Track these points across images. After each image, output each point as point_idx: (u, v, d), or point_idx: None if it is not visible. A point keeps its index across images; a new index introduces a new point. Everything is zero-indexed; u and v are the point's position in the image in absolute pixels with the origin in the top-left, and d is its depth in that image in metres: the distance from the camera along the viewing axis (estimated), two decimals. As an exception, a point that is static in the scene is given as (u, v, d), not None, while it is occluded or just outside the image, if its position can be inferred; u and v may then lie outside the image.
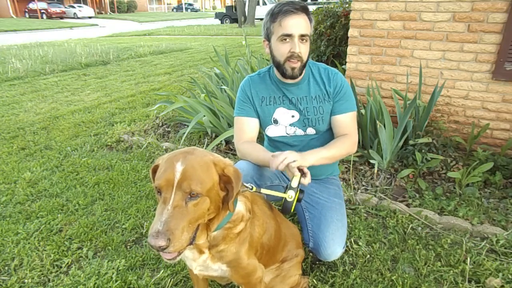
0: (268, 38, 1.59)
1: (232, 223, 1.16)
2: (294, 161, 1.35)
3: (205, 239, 1.13)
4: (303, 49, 1.52)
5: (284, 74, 1.60)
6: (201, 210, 0.99)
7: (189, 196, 0.96)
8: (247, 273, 1.23)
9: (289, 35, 1.50)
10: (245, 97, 1.71)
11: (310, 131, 1.71)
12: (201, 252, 1.17)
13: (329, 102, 1.67)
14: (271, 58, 1.62)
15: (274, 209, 1.47)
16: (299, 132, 1.71)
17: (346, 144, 1.62)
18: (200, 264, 1.20)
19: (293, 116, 1.69)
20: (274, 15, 1.52)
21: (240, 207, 1.20)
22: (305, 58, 1.55)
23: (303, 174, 1.37)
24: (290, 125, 1.71)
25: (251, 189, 1.30)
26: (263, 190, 1.36)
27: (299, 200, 1.34)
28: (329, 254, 1.55)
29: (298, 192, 1.33)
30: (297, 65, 1.54)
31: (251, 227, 1.24)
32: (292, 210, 1.35)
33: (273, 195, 1.36)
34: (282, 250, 1.48)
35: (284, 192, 1.34)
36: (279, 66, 1.59)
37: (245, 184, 1.28)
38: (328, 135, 1.76)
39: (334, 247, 1.54)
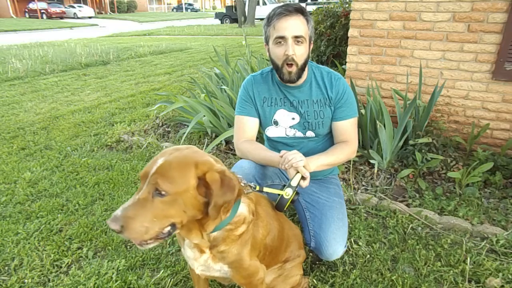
0: (267, 42, 1.60)
1: (233, 225, 1.15)
2: (300, 160, 1.39)
3: (200, 238, 1.12)
4: (298, 51, 1.51)
5: (282, 78, 1.60)
6: (170, 209, 0.97)
7: (157, 191, 0.95)
8: (248, 274, 1.23)
9: (282, 37, 1.49)
10: (247, 96, 1.71)
11: (310, 134, 1.71)
12: (202, 251, 1.17)
13: (330, 107, 1.67)
14: (271, 62, 1.62)
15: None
16: (299, 134, 1.72)
17: (345, 151, 1.64)
18: (202, 264, 1.20)
19: (293, 119, 1.70)
20: (270, 19, 1.52)
21: (243, 209, 1.19)
22: (301, 60, 1.53)
23: (303, 177, 1.40)
24: (290, 127, 1.71)
25: (255, 188, 1.31)
26: (265, 189, 1.39)
27: (293, 201, 1.38)
28: (331, 254, 1.55)
29: (295, 192, 1.37)
30: (293, 69, 1.53)
31: (255, 229, 1.24)
32: (285, 208, 1.39)
33: (272, 193, 1.39)
34: (284, 250, 1.48)
35: (282, 189, 1.38)
36: (277, 70, 1.59)
37: (249, 184, 1.29)
38: (328, 138, 1.76)
39: (336, 246, 1.54)
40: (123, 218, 0.92)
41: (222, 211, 1.07)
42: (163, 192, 0.95)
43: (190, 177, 0.98)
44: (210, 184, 0.98)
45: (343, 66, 3.61)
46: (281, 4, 1.55)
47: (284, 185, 1.42)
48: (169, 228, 1.01)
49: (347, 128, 1.67)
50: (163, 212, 0.96)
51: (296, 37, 1.49)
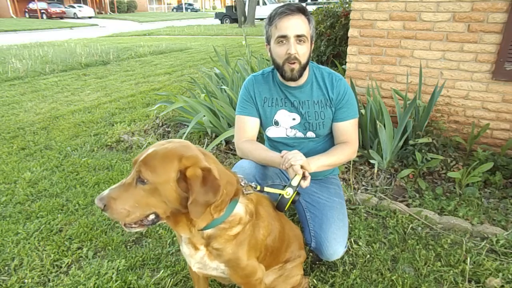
0: (268, 41, 1.60)
1: (227, 224, 1.14)
2: (300, 159, 1.39)
3: (188, 233, 1.11)
4: (301, 50, 1.51)
5: (283, 76, 1.60)
6: (151, 198, 1.00)
7: (140, 179, 1.00)
8: (246, 274, 1.22)
9: (285, 36, 1.49)
10: (248, 96, 1.71)
11: (310, 134, 1.72)
12: (196, 248, 1.17)
13: (331, 108, 1.67)
14: (272, 61, 1.62)
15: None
16: (299, 134, 1.72)
17: (346, 152, 1.64)
18: (198, 261, 1.20)
19: (294, 119, 1.70)
20: (271, 18, 1.53)
21: (240, 209, 1.18)
22: (303, 59, 1.54)
23: (304, 176, 1.40)
24: (291, 127, 1.71)
25: (256, 188, 1.31)
26: (266, 189, 1.39)
27: (293, 201, 1.38)
28: (331, 254, 1.55)
29: (295, 191, 1.37)
30: (295, 66, 1.53)
31: (256, 229, 1.23)
32: (285, 208, 1.39)
33: (273, 193, 1.39)
34: (285, 251, 1.48)
35: (282, 190, 1.38)
36: (279, 68, 1.59)
37: (250, 183, 1.28)
38: (328, 139, 1.77)
39: (336, 247, 1.54)
40: (107, 198, 1.00)
41: (214, 210, 1.07)
42: (144, 180, 0.99)
43: (171, 170, 1.00)
44: (189, 179, 0.99)
45: (343, 66, 3.61)
46: (282, 4, 1.55)
47: (285, 185, 1.42)
48: (153, 216, 1.05)
49: (348, 129, 1.68)
50: (143, 199, 1.00)
51: (298, 36, 1.49)
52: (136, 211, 1.01)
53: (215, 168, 1.06)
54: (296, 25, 1.48)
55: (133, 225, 1.05)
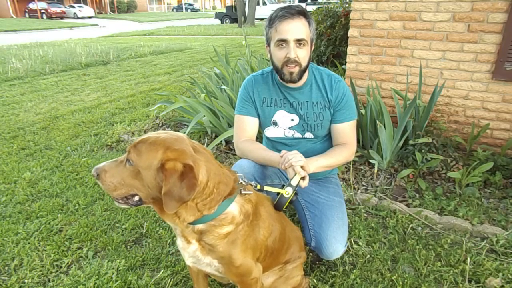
0: (268, 43, 1.60)
1: (218, 222, 1.14)
2: (300, 160, 1.39)
3: (172, 222, 1.13)
4: (301, 54, 1.52)
5: (283, 79, 1.60)
6: (134, 179, 1.07)
7: (128, 159, 1.07)
8: (240, 272, 1.22)
9: (284, 40, 1.50)
10: (247, 96, 1.72)
11: (308, 135, 1.72)
12: (188, 241, 1.17)
13: (329, 110, 1.67)
14: (271, 63, 1.62)
15: (279, 212, 1.46)
16: (297, 135, 1.73)
17: (344, 153, 1.65)
18: (191, 255, 1.20)
19: (292, 120, 1.70)
20: (271, 21, 1.53)
21: (234, 209, 1.17)
22: (303, 63, 1.54)
23: (303, 176, 1.40)
24: (289, 128, 1.71)
25: (255, 187, 1.30)
26: (265, 188, 1.40)
27: (291, 201, 1.39)
28: (331, 253, 1.55)
29: (294, 191, 1.38)
30: (295, 69, 1.54)
31: (256, 229, 1.23)
32: (284, 208, 1.40)
33: (272, 191, 1.39)
34: (286, 252, 1.48)
35: (282, 189, 1.39)
36: (278, 71, 1.60)
37: (250, 182, 1.28)
38: (326, 139, 1.77)
39: (336, 245, 1.54)
40: (101, 169, 1.11)
41: (201, 206, 1.08)
42: (131, 161, 1.06)
43: (154, 157, 1.04)
44: (166, 170, 1.01)
45: (343, 66, 3.61)
46: (283, 6, 1.55)
47: (283, 185, 1.42)
48: (137, 198, 1.11)
49: (346, 131, 1.68)
50: (128, 178, 1.08)
51: (298, 40, 1.49)
52: (121, 188, 1.09)
53: (203, 167, 1.06)
54: (296, 29, 1.48)
55: (120, 201, 1.13)
